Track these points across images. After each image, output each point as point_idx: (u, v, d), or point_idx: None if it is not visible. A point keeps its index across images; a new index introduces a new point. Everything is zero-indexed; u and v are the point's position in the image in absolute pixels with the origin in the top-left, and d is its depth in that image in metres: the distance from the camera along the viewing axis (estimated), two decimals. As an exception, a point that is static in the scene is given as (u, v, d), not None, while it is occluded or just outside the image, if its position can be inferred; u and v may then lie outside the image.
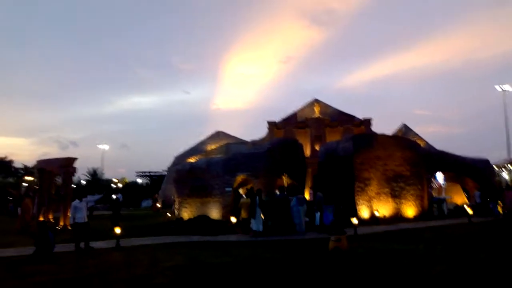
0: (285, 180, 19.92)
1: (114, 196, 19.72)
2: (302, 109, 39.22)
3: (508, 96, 51.88)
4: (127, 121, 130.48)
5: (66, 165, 17.34)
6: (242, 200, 14.63)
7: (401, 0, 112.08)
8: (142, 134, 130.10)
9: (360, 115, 37.72)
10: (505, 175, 50.87)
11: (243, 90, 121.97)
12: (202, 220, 16.62)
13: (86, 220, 11.22)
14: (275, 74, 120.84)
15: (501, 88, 51.59)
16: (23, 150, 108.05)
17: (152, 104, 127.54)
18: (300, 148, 21.60)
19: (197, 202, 20.29)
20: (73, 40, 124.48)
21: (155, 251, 10.20)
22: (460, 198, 25.92)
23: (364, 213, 19.63)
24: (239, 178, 19.55)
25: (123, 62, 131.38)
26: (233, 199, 17.21)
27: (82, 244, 10.94)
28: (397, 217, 19.95)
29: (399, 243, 11.93)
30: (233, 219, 14.84)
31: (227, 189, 19.14)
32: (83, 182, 52.28)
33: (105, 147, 62.30)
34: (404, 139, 23.30)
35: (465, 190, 25.40)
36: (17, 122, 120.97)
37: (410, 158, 20.98)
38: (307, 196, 31.02)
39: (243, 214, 14.09)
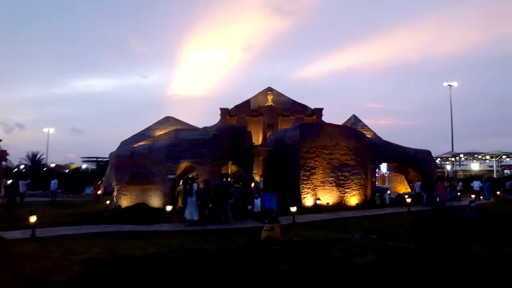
0: (230, 168, 19.45)
1: (9, 181, 18.15)
2: (255, 97, 38.82)
3: (455, 92, 54.30)
4: (80, 104, 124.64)
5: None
6: (178, 188, 13.96)
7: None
8: (96, 118, 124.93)
9: (315, 105, 37.96)
10: (448, 167, 53.57)
11: (202, 76, 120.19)
12: (139, 209, 15.78)
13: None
14: (235, 61, 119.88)
15: (448, 84, 54.10)
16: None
17: (107, 87, 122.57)
18: (248, 135, 21.15)
19: (137, 189, 19.30)
20: (22, 13, 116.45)
21: (74, 242, 9.37)
22: (403, 188, 26.76)
23: (308, 201, 19.63)
24: (183, 165, 18.79)
25: (76, 41, 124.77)
26: (171, 188, 16.46)
27: (-9, 235, 9.87)
28: (340, 205, 20.15)
29: (336, 231, 11.86)
30: (169, 208, 14.16)
31: (169, 176, 18.33)
32: (22, 166, 49.07)
33: (51, 130, 58.84)
34: (350, 129, 23.50)
35: (408, 181, 26.27)
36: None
37: (355, 148, 21.19)
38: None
39: (180, 203, 13.45)
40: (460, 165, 53.56)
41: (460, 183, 25.12)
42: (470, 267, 6.38)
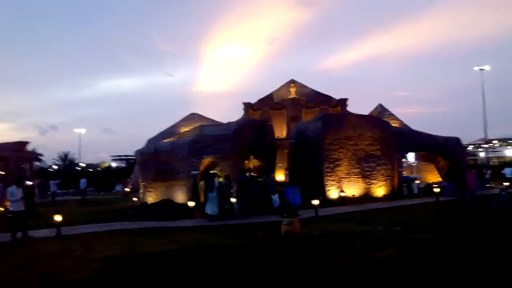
0: (252, 162, 19.39)
1: (28, 182, 18.46)
2: (278, 90, 38.52)
3: (487, 76, 52.11)
4: (109, 104, 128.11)
5: (18, 149, 16.37)
6: (200, 183, 14.01)
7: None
8: (125, 118, 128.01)
9: (340, 96, 37.14)
10: (481, 154, 51.58)
11: (227, 72, 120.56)
12: (163, 205, 15.97)
13: (23, 208, 10.40)
14: (259, 55, 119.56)
15: (479, 68, 51.87)
16: (1, 136, 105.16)
17: (134, 87, 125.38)
18: (270, 129, 21.01)
19: (162, 186, 19.61)
20: (53, 23, 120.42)
21: (96, 240, 9.55)
22: (433, 177, 25.89)
23: (333, 193, 19.31)
24: (206, 160, 18.87)
25: (103, 44, 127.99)
26: (193, 183, 16.54)
27: (19, 234, 10.20)
28: (366, 197, 19.72)
29: (359, 224, 11.58)
30: (191, 203, 14.25)
31: (193, 172, 18.45)
32: (55, 166, 50.89)
33: (82, 131, 60.57)
34: (375, 118, 22.92)
35: (439, 170, 25.38)
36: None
37: (380, 138, 20.64)
38: (283, 177, 30.89)
39: (201, 198, 13.50)
40: (494, 151, 51.45)
41: (489, 171, 23.79)
42: (495, 259, 6.04)
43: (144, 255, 7.46)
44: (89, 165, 66.70)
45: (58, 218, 10.24)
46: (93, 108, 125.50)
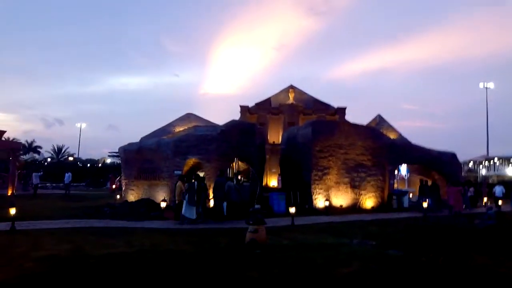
0: (237, 165, 18.84)
1: None
2: (277, 95, 37.93)
3: (492, 94, 51.42)
4: (115, 101, 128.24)
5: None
6: (177, 184, 13.48)
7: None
8: (131, 116, 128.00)
9: (343, 105, 36.44)
10: (483, 171, 50.75)
11: (233, 75, 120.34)
12: (140, 204, 15.43)
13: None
14: (266, 61, 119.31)
15: (484, 86, 51.20)
16: (5, 127, 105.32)
17: (141, 85, 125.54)
18: (258, 132, 20.43)
19: (144, 184, 19.13)
20: (62, 17, 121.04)
21: (49, 237, 9.02)
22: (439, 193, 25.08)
23: (320, 202, 18.67)
24: (190, 161, 18.38)
25: (111, 41, 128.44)
26: (175, 184, 15.98)
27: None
28: (355, 208, 19.08)
29: (335, 236, 10.98)
30: (163, 204, 13.69)
31: (176, 172, 17.93)
32: (49, 159, 50.51)
33: (83, 125, 60.41)
34: (367, 128, 22.27)
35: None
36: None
37: (372, 148, 20.02)
38: (276, 183, 30.30)
39: (177, 199, 12.96)
40: (495, 169, 50.60)
41: (472, 188, 22.56)
42: (455, 283, 5.44)
43: (85, 257, 6.91)
44: (88, 161, 66.50)
45: (12, 211, 9.72)
46: (100, 104, 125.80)
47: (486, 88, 50.75)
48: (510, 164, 46.23)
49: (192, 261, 6.98)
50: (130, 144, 19.84)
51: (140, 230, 10.69)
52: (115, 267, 6.32)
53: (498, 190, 21.80)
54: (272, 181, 32.76)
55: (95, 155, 69.17)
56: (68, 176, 24.01)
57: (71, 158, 52.48)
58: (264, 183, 30.46)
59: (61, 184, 27.26)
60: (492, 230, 6.65)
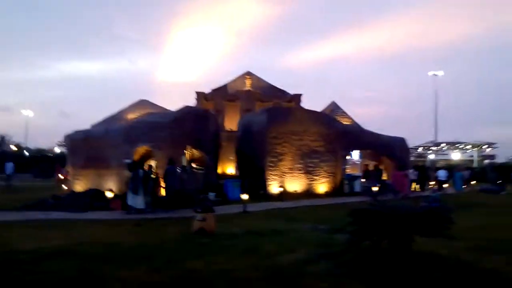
0: (189, 153, 18.41)
1: None
2: (233, 81, 37.53)
3: (441, 81, 53.62)
4: (67, 88, 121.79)
5: None
6: (124, 173, 12.92)
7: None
8: (83, 103, 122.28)
9: (299, 92, 36.58)
10: (431, 155, 53.28)
11: (190, 61, 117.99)
12: (86, 195, 14.68)
13: None
14: (224, 47, 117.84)
15: (433, 74, 53.33)
16: None
17: (95, 71, 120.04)
18: (213, 119, 20.06)
19: (92, 174, 18.18)
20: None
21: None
22: (384, 176, 25.92)
23: (275, 188, 18.72)
24: (141, 149, 17.70)
25: (63, 25, 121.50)
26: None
27: None
28: (308, 193, 19.32)
29: (287, 221, 10.96)
30: (109, 194, 13.11)
31: (125, 161, 17.20)
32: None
33: (30, 113, 56.79)
34: (321, 114, 22.55)
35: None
36: None
37: (326, 134, 20.27)
38: (233, 170, 30.09)
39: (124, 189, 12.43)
40: (442, 154, 53.29)
41: (416, 172, 23.26)
42: (399, 266, 5.50)
43: (11, 253, 6.36)
44: (37, 150, 63.07)
45: None
46: (50, 90, 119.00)
47: (435, 76, 52.97)
48: (456, 149, 48.85)
49: (130, 253, 6.62)
50: (76, 132, 18.79)
51: (83, 221, 10.11)
52: (43, 261, 5.84)
53: (442, 174, 22.88)
54: (229, 169, 32.57)
55: (44, 144, 65.84)
56: (9, 167, 22.48)
57: (14, 148, 49.27)
58: (220, 171, 30.23)
59: (3, 175, 25.53)
60: (435, 212, 6.76)
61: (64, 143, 50.52)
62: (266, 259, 6.33)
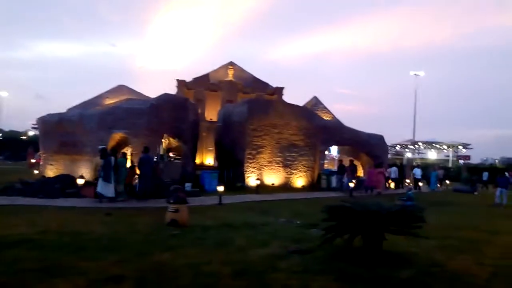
0: (167, 142, 18.09)
1: None
2: (216, 71, 37.07)
3: (422, 82, 54.32)
4: (44, 69, 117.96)
5: None
6: (95, 160, 12.55)
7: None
8: (61, 85, 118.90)
9: (283, 86, 36.42)
10: (408, 154, 54.22)
11: (173, 49, 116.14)
12: (58, 180, 14.18)
13: None
14: (208, 37, 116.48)
15: (415, 74, 54.00)
16: None
17: (74, 53, 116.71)
18: (192, 108, 19.71)
19: (65, 159, 17.70)
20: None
21: None
22: (360, 173, 26.19)
23: (252, 181, 18.62)
24: (117, 135, 17.28)
25: (41, 4, 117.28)
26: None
27: None
28: (286, 187, 19.32)
29: (262, 214, 10.87)
30: (80, 181, 12.73)
31: (100, 147, 16.76)
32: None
33: (4, 94, 54.72)
34: (302, 108, 22.50)
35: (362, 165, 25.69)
36: None
37: (305, 128, 20.26)
38: (212, 161, 29.82)
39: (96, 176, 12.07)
40: (419, 153, 54.24)
41: (389, 169, 23.47)
42: (369, 264, 5.47)
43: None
44: (12, 132, 61.15)
45: None
46: (26, 71, 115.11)
47: (416, 75, 53.68)
48: (433, 149, 49.84)
49: (100, 243, 6.38)
50: (50, 115, 18.17)
51: (51, 208, 9.73)
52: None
53: (418, 172, 23.25)
54: (208, 159, 32.28)
55: (18, 127, 63.94)
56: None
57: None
58: (199, 161, 29.93)
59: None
60: (407, 211, 6.76)
61: (36, 126, 49.15)
62: (237, 253, 6.20)
